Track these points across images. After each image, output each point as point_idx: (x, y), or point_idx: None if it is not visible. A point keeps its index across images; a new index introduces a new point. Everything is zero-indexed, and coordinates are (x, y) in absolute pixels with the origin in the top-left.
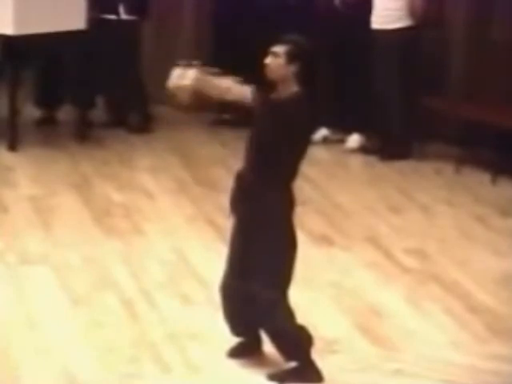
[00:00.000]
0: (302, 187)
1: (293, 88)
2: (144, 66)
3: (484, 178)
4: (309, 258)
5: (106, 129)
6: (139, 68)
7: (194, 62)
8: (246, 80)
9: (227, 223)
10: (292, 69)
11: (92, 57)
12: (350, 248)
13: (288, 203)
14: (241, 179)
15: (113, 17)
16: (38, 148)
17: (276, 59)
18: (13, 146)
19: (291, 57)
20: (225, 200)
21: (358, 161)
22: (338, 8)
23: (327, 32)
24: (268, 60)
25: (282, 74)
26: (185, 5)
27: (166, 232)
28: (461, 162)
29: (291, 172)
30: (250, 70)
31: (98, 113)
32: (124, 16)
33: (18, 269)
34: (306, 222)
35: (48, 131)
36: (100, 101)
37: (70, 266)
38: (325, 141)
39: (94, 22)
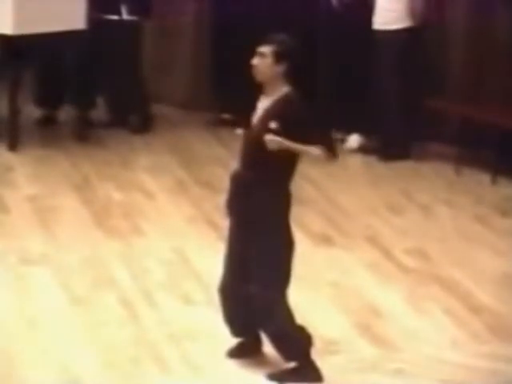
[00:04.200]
0: (302, 187)
1: (283, 88)
2: (144, 66)
3: (484, 178)
4: (309, 258)
5: (106, 129)
6: (140, 68)
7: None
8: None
9: (226, 223)
10: (280, 69)
11: (92, 57)
12: (350, 248)
13: (284, 202)
14: (237, 179)
15: (115, 17)
16: (38, 148)
17: (263, 59)
18: (13, 146)
19: (278, 56)
20: (224, 200)
21: (357, 161)
22: (336, 8)
23: (326, 32)
24: (255, 61)
25: (270, 74)
26: (185, 5)
27: (166, 232)
28: (461, 162)
29: (288, 171)
30: (249, 70)
31: (98, 113)
32: (126, 16)
33: (18, 269)
34: (305, 222)
35: (48, 131)
36: (100, 101)
37: (70, 266)
38: None
39: (96, 21)
